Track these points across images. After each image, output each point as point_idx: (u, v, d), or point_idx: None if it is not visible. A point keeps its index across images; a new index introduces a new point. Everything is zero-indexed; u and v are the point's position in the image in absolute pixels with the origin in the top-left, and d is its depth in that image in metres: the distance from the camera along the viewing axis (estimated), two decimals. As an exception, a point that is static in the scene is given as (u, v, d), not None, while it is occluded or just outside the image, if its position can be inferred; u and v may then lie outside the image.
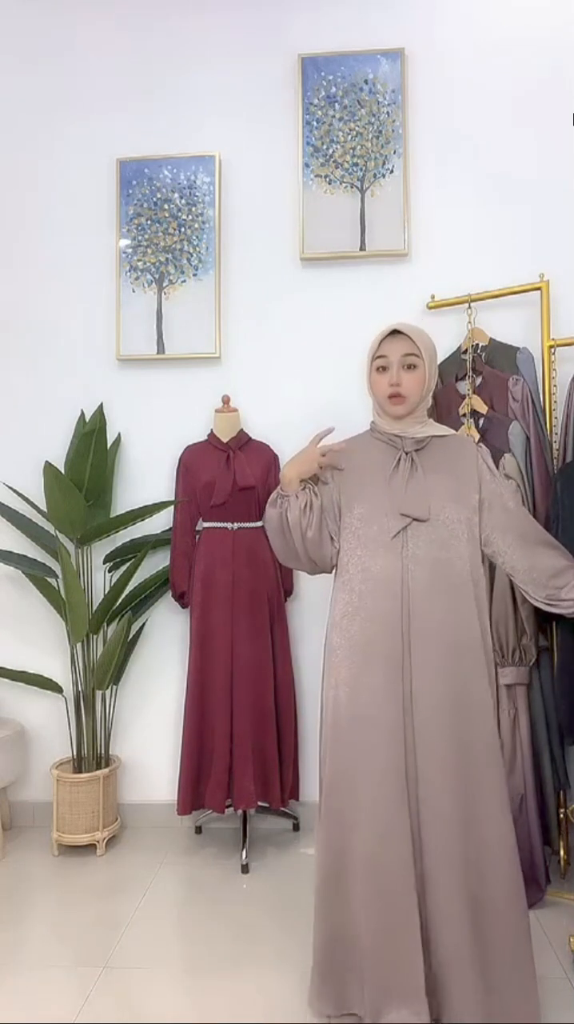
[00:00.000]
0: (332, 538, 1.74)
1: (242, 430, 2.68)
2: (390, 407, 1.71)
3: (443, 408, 2.51)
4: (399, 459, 1.71)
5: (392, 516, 1.65)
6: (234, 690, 2.47)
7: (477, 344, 2.51)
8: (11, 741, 2.66)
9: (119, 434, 2.87)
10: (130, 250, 2.86)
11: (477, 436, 2.38)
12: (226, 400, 2.68)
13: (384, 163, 2.75)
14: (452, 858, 1.56)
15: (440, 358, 2.63)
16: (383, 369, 1.70)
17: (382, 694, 1.60)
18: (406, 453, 1.71)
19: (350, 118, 2.77)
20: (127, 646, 2.70)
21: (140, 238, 2.85)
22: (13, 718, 2.84)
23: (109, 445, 2.80)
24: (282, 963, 1.90)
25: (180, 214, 2.85)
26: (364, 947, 1.58)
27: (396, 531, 1.64)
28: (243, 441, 2.65)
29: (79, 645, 2.67)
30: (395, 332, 1.70)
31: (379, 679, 1.61)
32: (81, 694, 2.67)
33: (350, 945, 1.62)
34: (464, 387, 2.48)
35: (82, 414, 2.85)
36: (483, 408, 2.42)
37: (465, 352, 2.51)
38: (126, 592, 2.68)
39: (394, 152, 2.75)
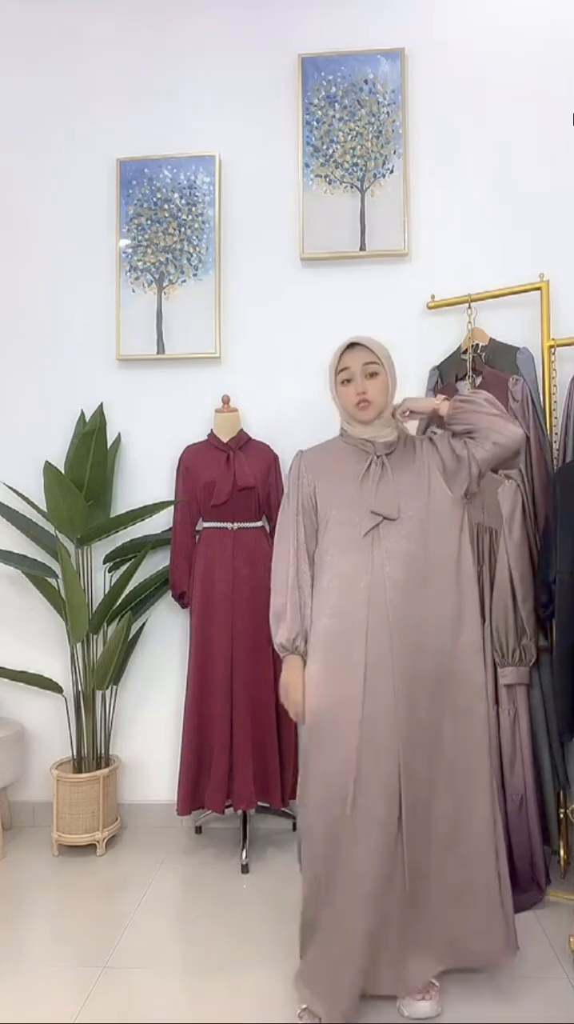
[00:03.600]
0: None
1: (242, 430, 2.68)
2: (359, 414, 1.79)
3: (443, 408, 2.51)
4: (370, 463, 1.78)
5: (364, 516, 1.72)
6: (234, 690, 2.47)
7: (477, 344, 2.51)
8: (11, 741, 2.66)
9: (119, 434, 2.87)
10: (130, 250, 2.86)
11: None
12: (226, 400, 2.68)
13: (384, 163, 2.75)
14: (421, 851, 1.65)
15: (440, 358, 2.64)
16: (347, 381, 1.78)
17: (348, 689, 1.66)
18: (378, 457, 1.78)
19: (350, 118, 2.77)
20: (127, 646, 2.70)
21: (140, 238, 2.85)
22: (13, 718, 2.84)
23: (109, 445, 2.80)
24: (282, 963, 1.90)
25: (180, 214, 2.85)
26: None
27: (367, 530, 1.71)
28: (243, 441, 2.65)
29: (79, 645, 2.67)
30: (353, 345, 1.79)
31: (345, 674, 1.67)
32: (81, 694, 2.67)
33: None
34: (464, 387, 2.48)
35: (82, 414, 2.85)
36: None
37: (465, 352, 2.51)
38: (126, 592, 2.68)
39: (394, 152, 2.75)
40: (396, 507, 1.72)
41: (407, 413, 1.84)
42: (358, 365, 1.77)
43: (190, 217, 2.84)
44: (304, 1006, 1.68)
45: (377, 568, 1.69)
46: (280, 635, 1.76)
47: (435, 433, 1.89)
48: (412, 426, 2.02)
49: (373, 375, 1.77)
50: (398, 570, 1.68)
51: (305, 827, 1.72)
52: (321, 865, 1.66)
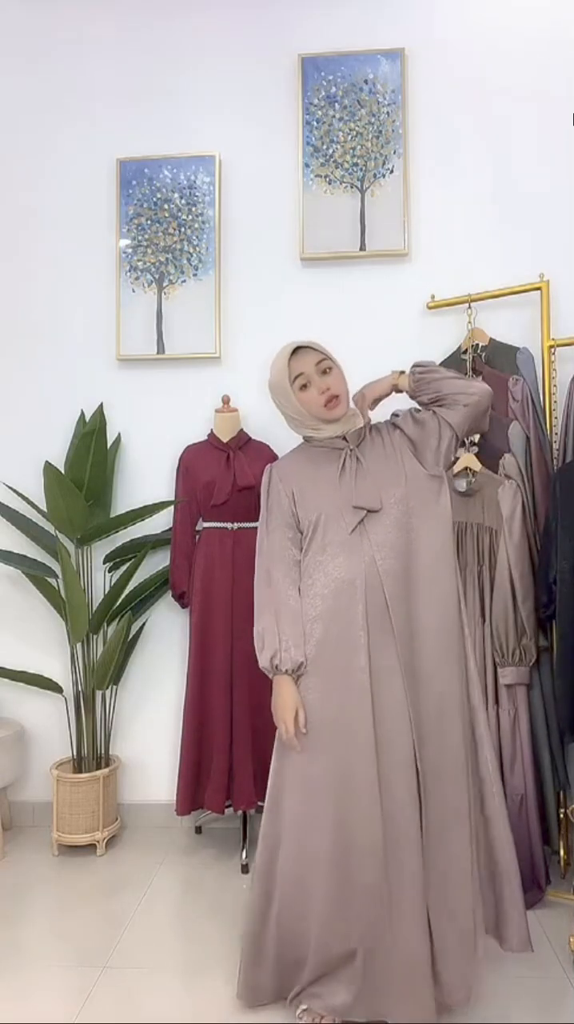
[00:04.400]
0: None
1: (242, 430, 2.68)
2: (330, 412, 1.75)
3: (443, 408, 2.51)
4: (344, 460, 1.76)
5: (348, 513, 1.70)
6: (234, 690, 2.47)
7: (477, 344, 2.51)
8: (11, 741, 2.66)
9: (119, 434, 2.87)
10: (130, 250, 2.86)
11: (476, 436, 2.38)
12: (226, 400, 2.68)
13: (384, 163, 2.75)
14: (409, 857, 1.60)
15: (440, 358, 2.64)
16: (305, 386, 1.75)
17: (347, 691, 1.63)
18: (350, 451, 1.77)
19: (350, 118, 2.77)
20: (127, 646, 2.70)
21: (140, 238, 2.85)
22: (13, 718, 2.84)
23: (109, 445, 2.80)
24: (282, 963, 1.90)
25: (180, 214, 2.85)
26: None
27: (353, 525, 1.68)
28: (243, 441, 2.65)
29: (79, 645, 2.67)
30: (296, 350, 1.75)
31: (349, 680, 1.63)
32: (81, 694, 2.67)
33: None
34: (464, 387, 2.48)
35: (82, 414, 2.85)
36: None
37: (465, 352, 2.51)
38: (126, 592, 2.68)
39: (394, 152, 2.75)
40: (378, 498, 1.69)
41: (371, 404, 1.82)
42: (311, 367, 1.73)
43: (190, 217, 2.84)
44: (304, 1006, 1.68)
45: (369, 563, 1.65)
46: (262, 658, 1.69)
47: (397, 416, 1.86)
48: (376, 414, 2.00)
49: (327, 371, 1.74)
50: (391, 561, 1.65)
51: (294, 840, 1.66)
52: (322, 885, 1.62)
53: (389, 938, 1.58)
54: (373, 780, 1.59)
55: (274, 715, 1.69)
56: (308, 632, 1.68)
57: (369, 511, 1.68)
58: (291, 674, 1.67)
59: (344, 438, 1.79)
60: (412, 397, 1.81)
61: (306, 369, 1.74)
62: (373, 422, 1.88)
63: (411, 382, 1.80)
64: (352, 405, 1.84)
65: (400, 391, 1.83)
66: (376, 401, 1.84)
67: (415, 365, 1.81)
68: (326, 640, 1.66)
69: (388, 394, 1.84)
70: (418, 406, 1.84)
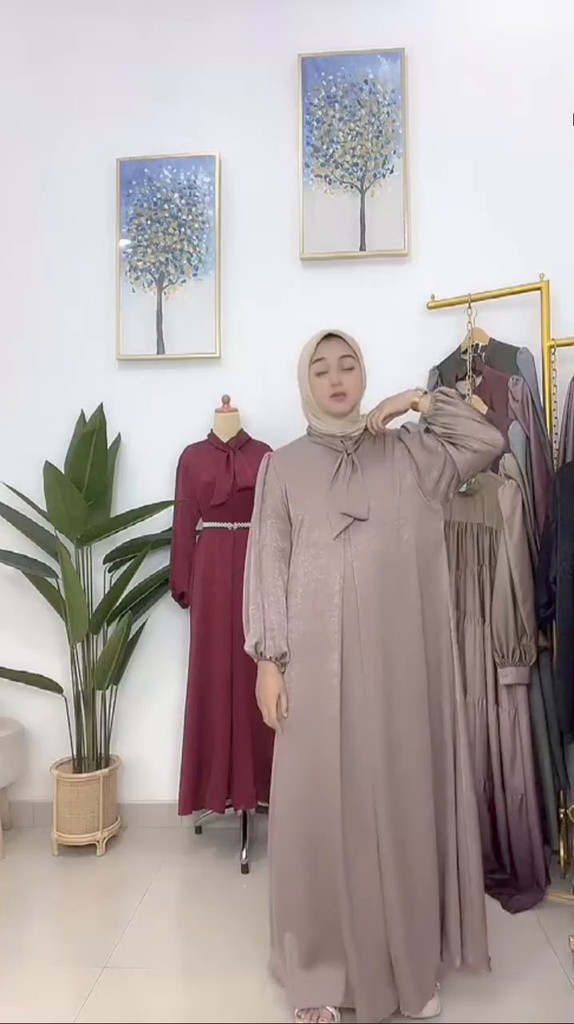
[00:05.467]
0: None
1: (242, 430, 2.68)
2: (334, 406, 1.76)
3: (443, 408, 2.51)
4: (340, 463, 1.76)
5: (335, 517, 1.71)
6: (234, 690, 2.47)
7: (477, 344, 2.51)
8: (11, 741, 2.66)
9: (119, 434, 2.87)
10: (130, 250, 2.86)
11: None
12: (226, 400, 2.68)
13: (384, 163, 2.75)
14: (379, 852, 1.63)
15: (440, 358, 2.65)
16: (322, 373, 1.76)
17: (320, 690, 1.66)
18: (347, 455, 1.77)
19: (350, 118, 2.77)
20: (127, 646, 2.70)
21: (140, 238, 2.85)
22: (13, 718, 2.84)
23: (109, 445, 2.80)
24: (282, 963, 1.90)
25: (180, 214, 2.85)
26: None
27: (338, 531, 1.69)
28: (243, 441, 2.65)
29: (79, 645, 2.67)
30: (329, 336, 1.77)
31: (318, 676, 1.67)
32: (81, 694, 2.67)
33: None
34: (464, 387, 2.48)
35: (82, 414, 2.85)
36: (483, 408, 2.42)
37: (465, 352, 2.51)
38: (126, 592, 2.68)
39: (394, 152, 2.75)
40: (366, 507, 1.69)
41: (385, 418, 1.76)
42: (334, 357, 1.74)
43: (190, 217, 2.84)
44: (302, 1008, 1.68)
45: (348, 570, 1.67)
46: (248, 643, 1.73)
47: (407, 431, 1.84)
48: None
49: (349, 369, 1.75)
50: (369, 572, 1.66)
51: (279, 832, 1.71)
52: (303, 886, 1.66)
53: (348, 935, 1.62)
54: (336, 777, 1.62)
55: (258, 699, 1.74)
56: (291, 629, 1.72)
57: (355, 519, 1.69)
58: (275, 662, 1.72)
59: (342, 440, 1.79)
60: (426, 421, 1.79)
61: (328, 356, 1.75)
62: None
63: (431, 407, 1.76)
64: (361, 414, 1.83)
65: (418, 410, 1.80)
66: (390, 416, 1.79)
67: (439, 391, 1.78)
68: (303, 638, 1.70)
69: (405, 411, 1.81)
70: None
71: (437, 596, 1.73)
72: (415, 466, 1.76)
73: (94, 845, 2.58)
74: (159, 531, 2.78)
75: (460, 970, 1.71)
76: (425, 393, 1.78)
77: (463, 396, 2.45)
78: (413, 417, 1.91)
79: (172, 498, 2.71)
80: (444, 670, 1.72)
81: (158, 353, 2.84)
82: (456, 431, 1.72)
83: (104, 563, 2.77)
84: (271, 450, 2.62)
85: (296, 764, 1.68)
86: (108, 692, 2.74)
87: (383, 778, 1.62)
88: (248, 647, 1.73)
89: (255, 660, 1.75)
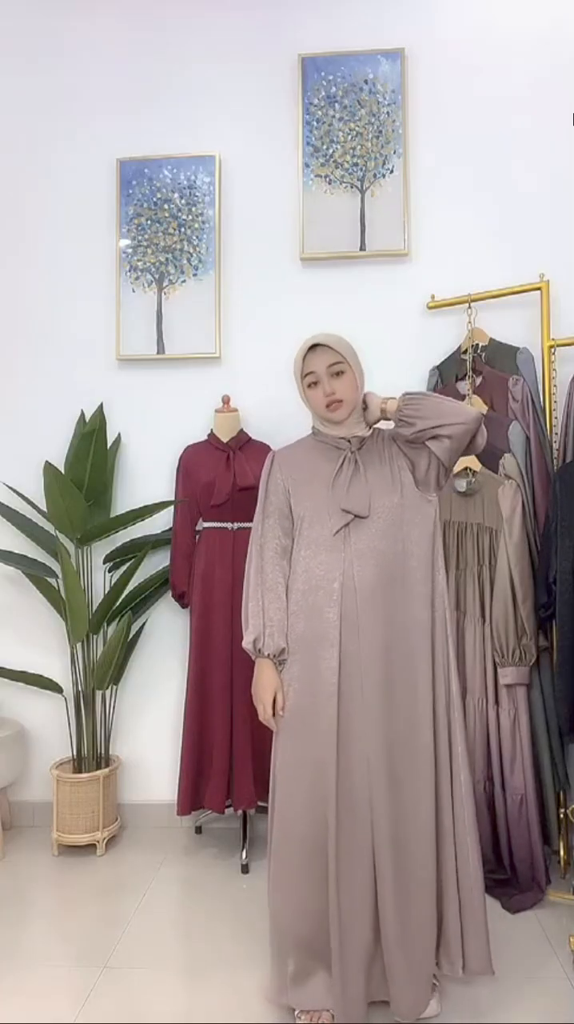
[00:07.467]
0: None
1: (242, 430, 2.68)
2: (331, 415, 1.76)
3: (443, 408, 2.51)
4: (343, 461, 1.76)
5: (335, 515, 1.71)
6: (234, 690, 2.47)
7: (477, 344, 2.51)
8: (11, 741, 2.66)
9: (119, 434, 2.87)
10: (130, 250, 2.86)
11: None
12: (226, 400, 2.68)
13: (384, 163, 2.75)
14: (386, 850, 1.62)
15: (440, 358, 2.65)
16: (314, 384, 1.75)
17: (318, 687, 1.66)
18: (351, 454, 1.77)
19: (350, 118, 2.77)
20: (127, 646, 2.70)
21: (140, 238, 2.85)
22: (13, 718, 2.84)
23: (109, 445, 2.80)
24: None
25: (180, 214, 2.85)
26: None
27: (337, 528, 1.69)
28: (243, 441, 2.65)
29: (79, 645, 2.67)
30: (315, 346, 1.75)
31: (316, 674, 1.66)
32: (81, 694, 2.67)
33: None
34: (464, 387, 2.48)
35: (82, 414, 2.85)
36: (483, 408, 2.42)
37: (465, 352, 2.51)
38: (126, 592, 2.68)
39: (394, 152, 2.75)
40: (367, 504, 1.69)
41: (368, 427, 1.80)
42: (322, 367, 1.73)
43: (190, 217, 2.84)
44: (301, 1009, 1.68)
45: (348, 568, 1.67)
46: (246, 639, 1.73)
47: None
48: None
49: (339, 374, 1.73)
50: (368, 570, 1.66)
51: (279, 834, 1.69)
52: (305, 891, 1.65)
53: (335, 935, 1.61)
54: (332, 775, 1.62)
55: (253, 696, 1.73)
56: (290, 626, 1.72)
57: (356, 516, 1.69)
58: (273, 659, 1.71)
59: (348, 440, 1.79)
60: (399, 423, 1.76)
61: (317, 368, 1.74)
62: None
63: (400, 402, 1.75)
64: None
65: (388, 417, 1.79)
66: (370, 426, 1.82)
67: (405, 394, 1.77)
68: (301, 635, 1.69)
69: (378, 420, 1.82)
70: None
71: (436, 594, 1.74)
72: (409, 462, 1.77)
73: (94, 845, 2.58)
74: (159, 531, 2.78)
75: (462, 977, 1.69)
76: (390, 398, 1.79)
77: (463, 396, 2.45)
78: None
79: (172, 498, 2.72)
80: (441, 667, 1.72)
81: (158, 353, 2.84)
82: (420, 428, 1.70)
83: (104, 563, 2.77)
84: (271, 450, 2.65)
85: (293, 762, 1.68)
86: (108, 692, 2.74)
87: (380, 775, 1.62)
88: (246, 643, 1.73)
89: (252, 657, 1.75)
